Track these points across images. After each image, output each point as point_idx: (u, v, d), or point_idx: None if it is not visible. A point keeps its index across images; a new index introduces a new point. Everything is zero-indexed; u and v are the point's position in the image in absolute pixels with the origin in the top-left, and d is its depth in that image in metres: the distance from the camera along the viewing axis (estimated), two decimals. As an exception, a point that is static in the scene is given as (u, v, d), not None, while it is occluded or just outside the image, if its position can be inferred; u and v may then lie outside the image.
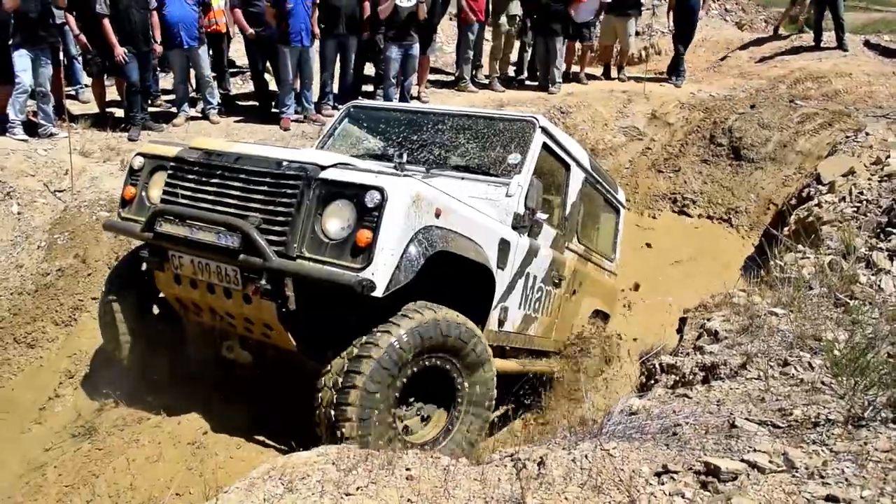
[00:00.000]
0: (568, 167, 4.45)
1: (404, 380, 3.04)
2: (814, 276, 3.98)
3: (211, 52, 7.79)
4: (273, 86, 7.84)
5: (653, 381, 3.60)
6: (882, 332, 2.89)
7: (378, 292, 2.83)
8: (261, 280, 2.97)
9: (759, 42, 11.58)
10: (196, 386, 3.71)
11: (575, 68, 9.93)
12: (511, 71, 9.98)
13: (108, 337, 3.83)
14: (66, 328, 4.86)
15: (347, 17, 7.46)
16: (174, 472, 3.27)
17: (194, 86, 7.72)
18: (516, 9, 9.03)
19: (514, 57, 9.95)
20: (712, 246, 7.76)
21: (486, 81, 9.24)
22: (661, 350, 4.17)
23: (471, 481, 2.17)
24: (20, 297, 4.93)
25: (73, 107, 7.25)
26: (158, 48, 6.95)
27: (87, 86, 7.68)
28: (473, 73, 9.17)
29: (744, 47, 11.47)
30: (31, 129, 6.29)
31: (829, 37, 10.73)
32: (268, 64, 7.80)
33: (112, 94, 7.38)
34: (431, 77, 9.14)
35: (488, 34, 9.46)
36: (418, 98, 8.33)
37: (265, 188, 3.08)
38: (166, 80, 8.18)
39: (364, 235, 2.83)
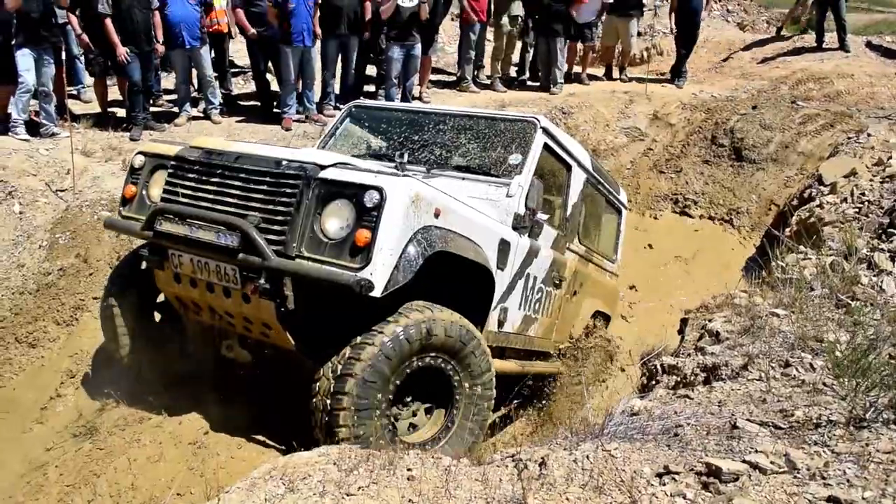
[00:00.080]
0: (569, 168, 4.44)
1: (400, 380, 3.03)
2: (815, 277, 3.98)
3: (213, 52, 7.79)
4: (275, 86, 7.84)
5: (654, 382, 3.61)
6: (884, 333, 2.90)
7: (376, 292, 2.82)
8: (260, 279, 2.97)
9: (761, 43, 11.56)
10: (197, 385, 3.70)
11: (576, 69, 9.92)
12: (513, 71, 9.97)
13: (110, 336, 3.83)
14: (68, 328, 4.86)
15: (349, 17, 7.47)
16: (175, 471, 3.27)
17: (196, 86, 7.72)
18: (518, 9, 9.02)
19: (515, 57, 9.94)
20: (713, 247, 7.75)
21: (488, 82, 9.23)
22: (663, 351, 4.17)
23: (472, 482, 2.17)
24: (22, 297, 4.93)
25: (75, 106, 7.27)
26: (160, 48, 6.95)
27: (89, 85, 7.68)
28: (475, 73, 9.17)
29: (746, 48, 11.46)
30: (33, 128, 6.30)
31: (831, 38, 10.72)
32: (269, 64, 7.81)
33: (114, 93, 7.37)
34: (433, 77, 9.14)
35: (490, 35, 9.45)
36: (420, 98, 8.33)
37: (265, 187, 3.07)
38: (168, 80, 8.19)
39: (363, 235, 2.82)
